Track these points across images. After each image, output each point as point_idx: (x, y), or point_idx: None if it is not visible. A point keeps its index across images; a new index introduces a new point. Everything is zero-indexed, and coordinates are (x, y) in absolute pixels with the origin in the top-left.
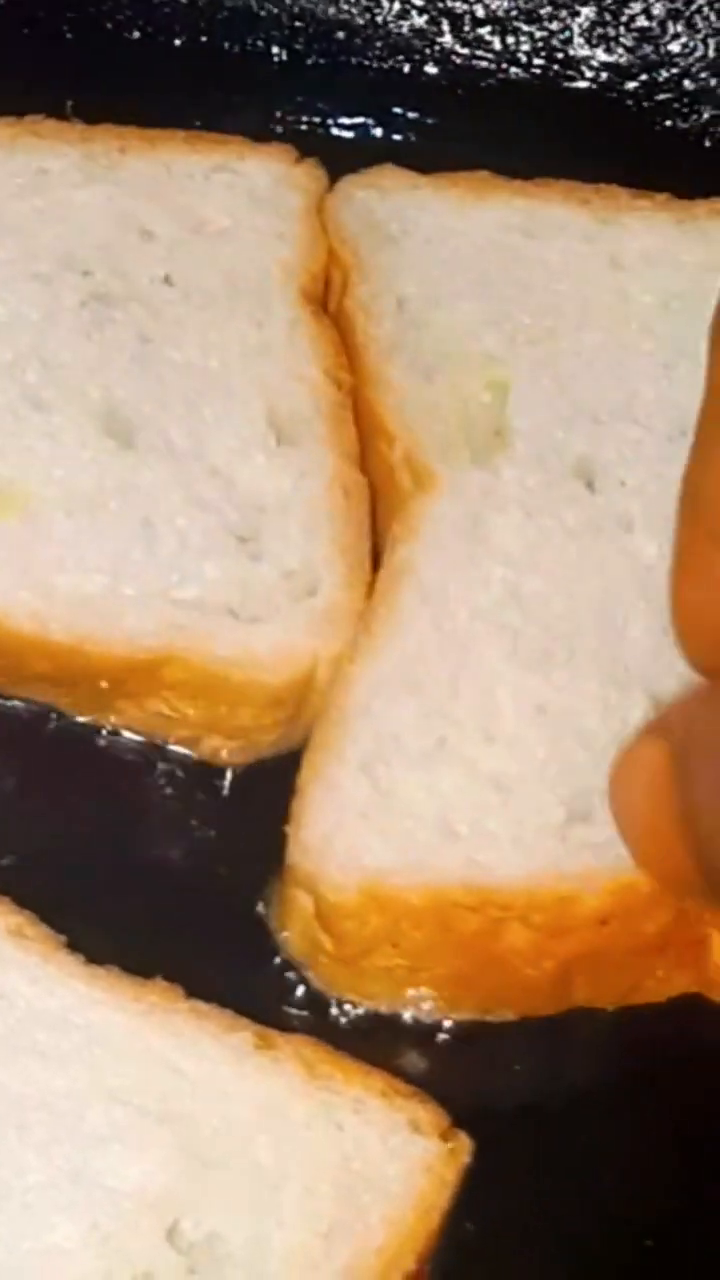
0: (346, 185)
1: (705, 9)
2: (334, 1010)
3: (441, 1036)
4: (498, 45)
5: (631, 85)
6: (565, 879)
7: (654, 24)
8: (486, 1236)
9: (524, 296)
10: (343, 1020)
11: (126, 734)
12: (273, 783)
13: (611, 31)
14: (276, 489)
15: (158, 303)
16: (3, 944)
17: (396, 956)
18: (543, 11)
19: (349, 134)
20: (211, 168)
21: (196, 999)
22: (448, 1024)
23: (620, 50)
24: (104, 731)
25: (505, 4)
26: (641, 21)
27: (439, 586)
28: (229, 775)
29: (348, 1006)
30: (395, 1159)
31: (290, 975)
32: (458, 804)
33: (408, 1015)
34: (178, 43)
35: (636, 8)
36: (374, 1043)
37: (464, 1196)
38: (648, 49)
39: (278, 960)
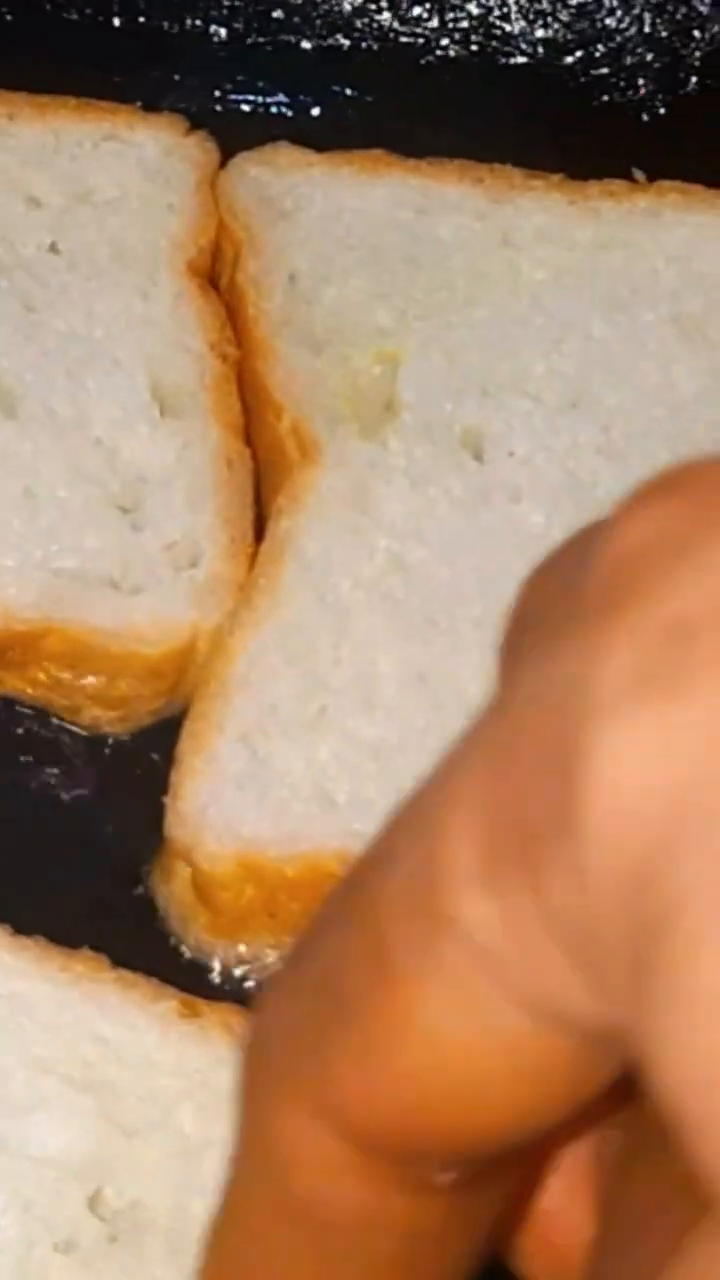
0: (241, 162)
1: None
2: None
3: None
4: (434, 22)
5: (569, 60)
6: None
7: None
8: None
9: (416, 272)
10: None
11: (12, 704)
12: (154, 751)
13: (548, 6)
14: (160, 460)
15: (43, 271)
16: None
17: (273, 927)
18: None
19: (289, 112)
20: (101, 137)
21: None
22: None
23: (557, 25)
24: None
25: None
26: None
27: (322, 557)
28: (109, 744)
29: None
30: None
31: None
32: (336, 773)
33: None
34: (116, 22)
35: None
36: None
37: None
38: (584, 24)
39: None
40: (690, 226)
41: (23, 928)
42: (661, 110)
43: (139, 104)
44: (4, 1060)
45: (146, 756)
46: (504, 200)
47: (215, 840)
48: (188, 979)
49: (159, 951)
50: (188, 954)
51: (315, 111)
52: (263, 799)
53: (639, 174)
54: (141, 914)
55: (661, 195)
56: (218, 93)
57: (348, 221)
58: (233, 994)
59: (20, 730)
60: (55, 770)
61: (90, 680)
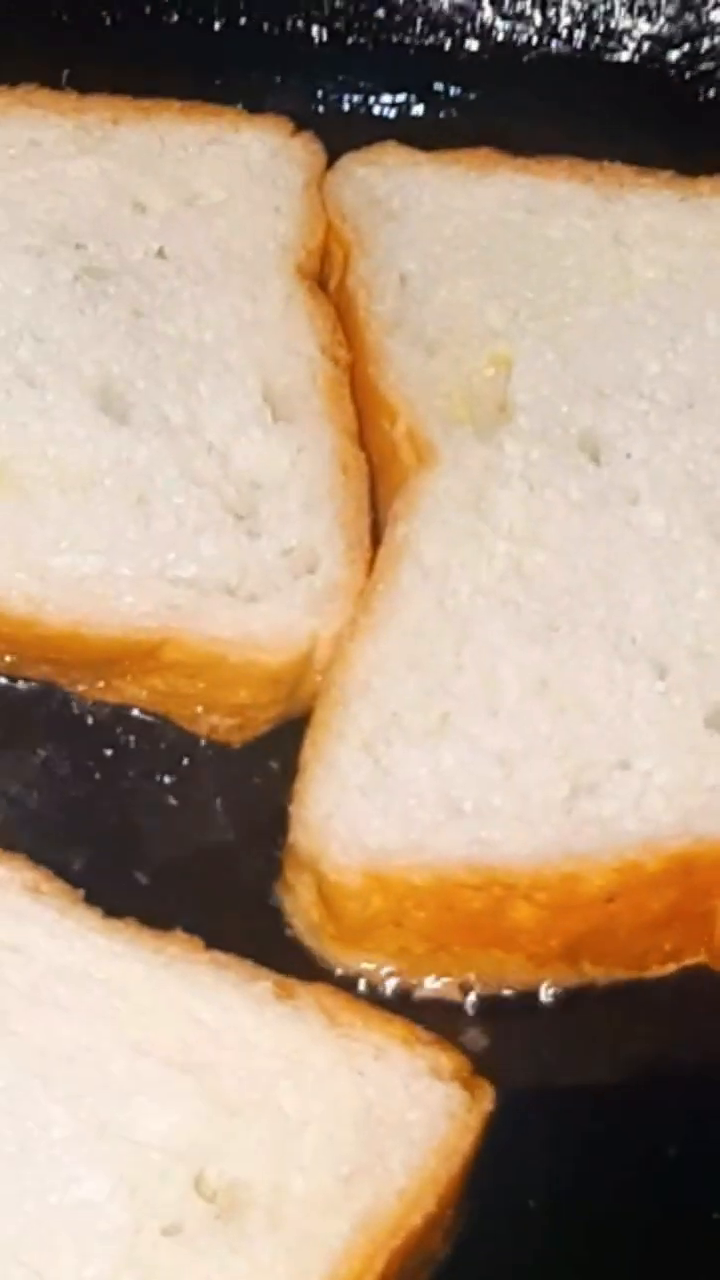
0: (348, 162)
1: None
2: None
3: (459, 1010)
4: (538, 19)
5: (674, 55)
6: (571, 856)
7: None
8: (508, 1186)
9: (527, 272)
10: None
11: (129, 711)
12: (274, 757)
13: (652, 1)
14: (274, 465)
15: (151, 276)
16: (20, 899)
17: (400, 936)
18: None
19: (391, 112)
20: (206, 140)
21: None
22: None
23: (661, 20)
24: (106, 709)
25: None
26: None
27: (440, 562)
28: (230, 751)
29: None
30: (417, 1105)
31: (301, 950)
32: (460, 781)
33: (420, 993)
34: (217, 25)
35: None
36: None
37: (489, 1143)
38: (689, 18)
39: (289, 934)
40: None
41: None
42: None
43: (241, 106)
44: (103, 1044)
45: (265, 764)
46: (614, 198)
47: (341, 850)
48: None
49: (289, 960)
50: (319, 962)
51: (418, 111)
52: (388, 807)
53: None
54: (271, 924)
55: None
56: (320, 93)
57: (457, 221)
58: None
59: (135, 739)
60: (172, 779)
61: (208, 689)
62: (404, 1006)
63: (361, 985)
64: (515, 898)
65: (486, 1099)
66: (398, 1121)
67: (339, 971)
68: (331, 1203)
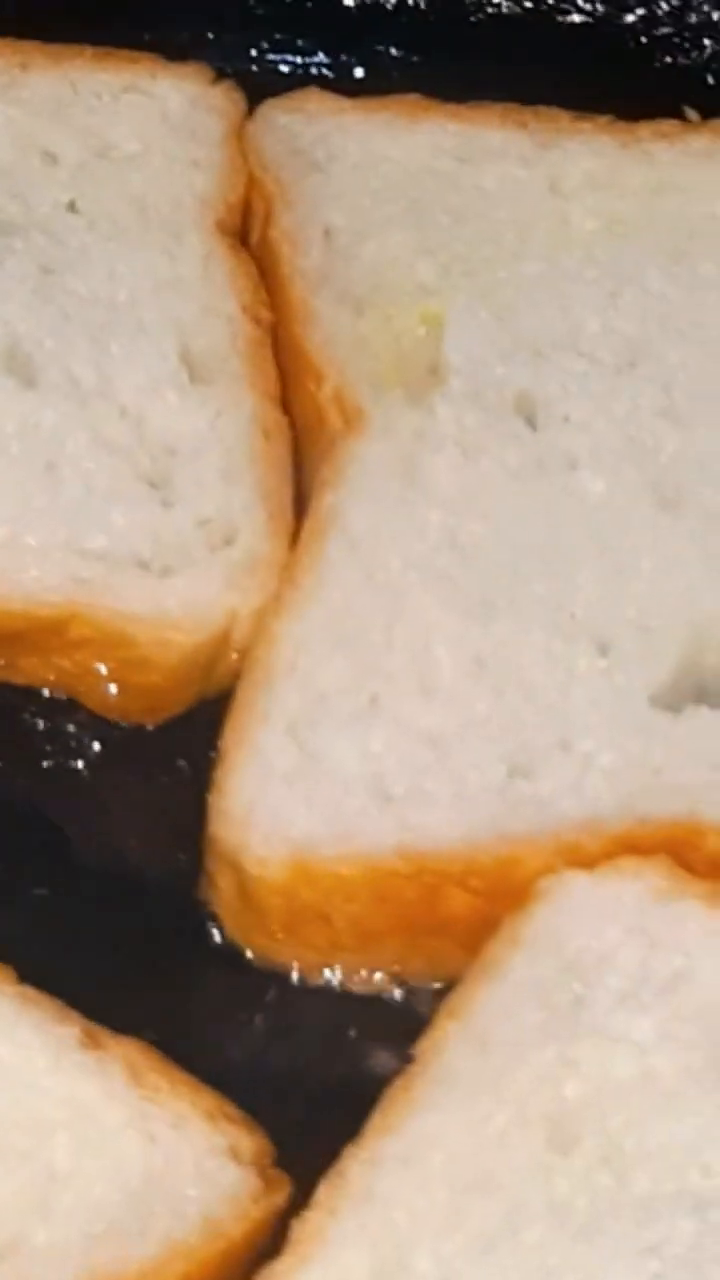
0: (268, 109)
1: None
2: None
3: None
4: None
5: (630, 19)
6: (506, 840)
7: None
8: None
9: (459, 225)
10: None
11: (36, 692)
12: (192, 739)
13: None
14: (190, 431)
15: (61, 231)
16: None
17: (329, 930)
18: None
19: (330, 74)
20: (121, 88)
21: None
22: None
23: None
24: (10, 690)
25: None
26: None
27: (369, 533)
28: (145, 733)
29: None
30: (201, 1182)
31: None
32: (391, 765)
33: (352, 988)
34: None
35: None
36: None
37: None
38: None
39: (213, 931)
40: None
41: (62, 942)
42: None
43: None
44: None
45: (183, 747)
46: (550, 145)
47: (263, 842)
48: (251, 989)
49: (216, 958)
50: (246, 959)
51: (359, 73)
52: (313, 795)
53: (692, 113)
54: (194, 920)
55: (717, 134)
56: (254, 52)
57: (385, 172)
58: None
59: (43, 723)
60: (83, 765)
61: (119, 669)
62: (333, 1002)
63: (294, 980)
64: (449, 885)
65: (280, 1193)
66: (174, 1194)
67: (268, 969)
68: (65, 1255)
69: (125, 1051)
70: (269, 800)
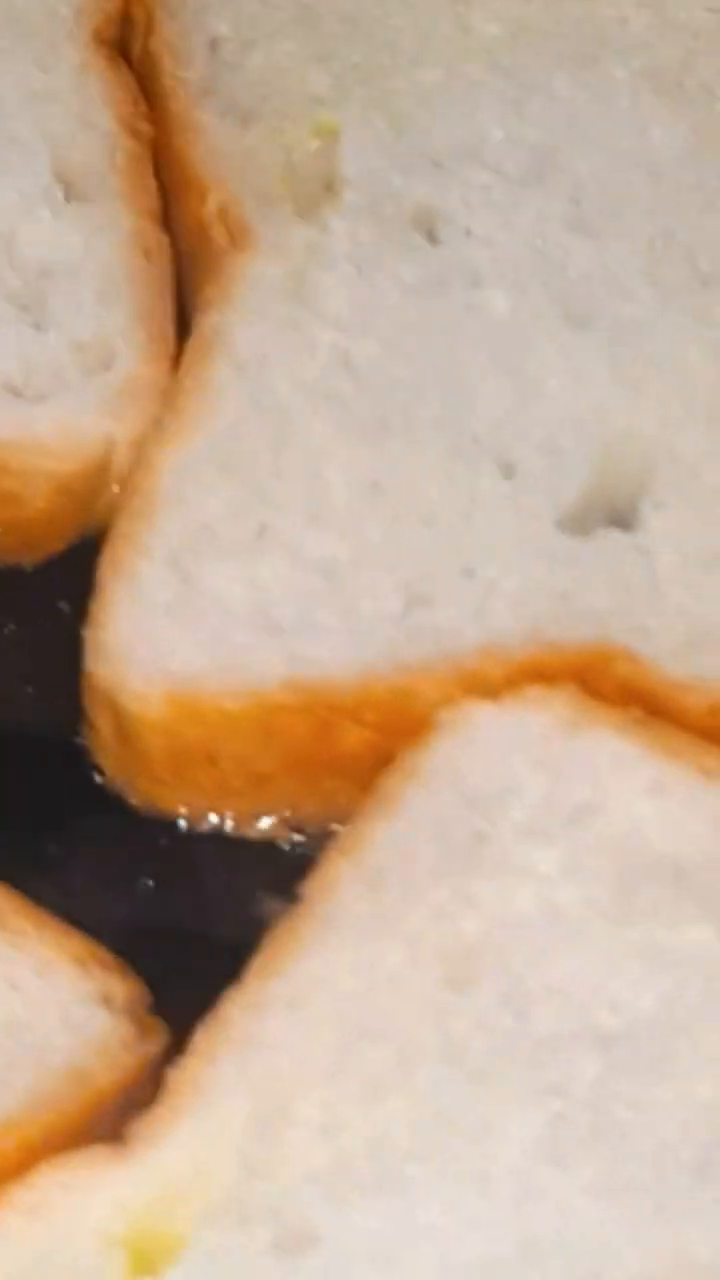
0: None
1: None
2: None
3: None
4: None
5: None
6: (403, 669)
7: None
8: None
9: (353, 32)
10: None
11: None
12: (71, 579)
13: None
14: (65, 250)
15: None
16: None
17: (217, 773)
18: None
19: None
20: None
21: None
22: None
23: None
24: None
25: None
26: None
27: (257, 355)
28: (21, 574)
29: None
30: (67, 1030)
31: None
32: (279, 596)
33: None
34: None
35: None
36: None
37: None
38: None
39: (97, 779)
40: None
41: None
42: None
43: None
44: None
45: (62, 588)
46: None
47: (142, 677)
48: (137, 837)
49: (96, 807)
50: (131, 807)
51: None
52: (196, 627)
53: None
54: (76, 767)
55: None
56: None
57: None
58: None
59: None
60: None
61: None
62: (221, 849)
63: (182, 826)
64: (343, 720)
65: (155, 1041)
66: (38, 1044)
67: (153, 815)
68: None
69: None
70: (149, 634)
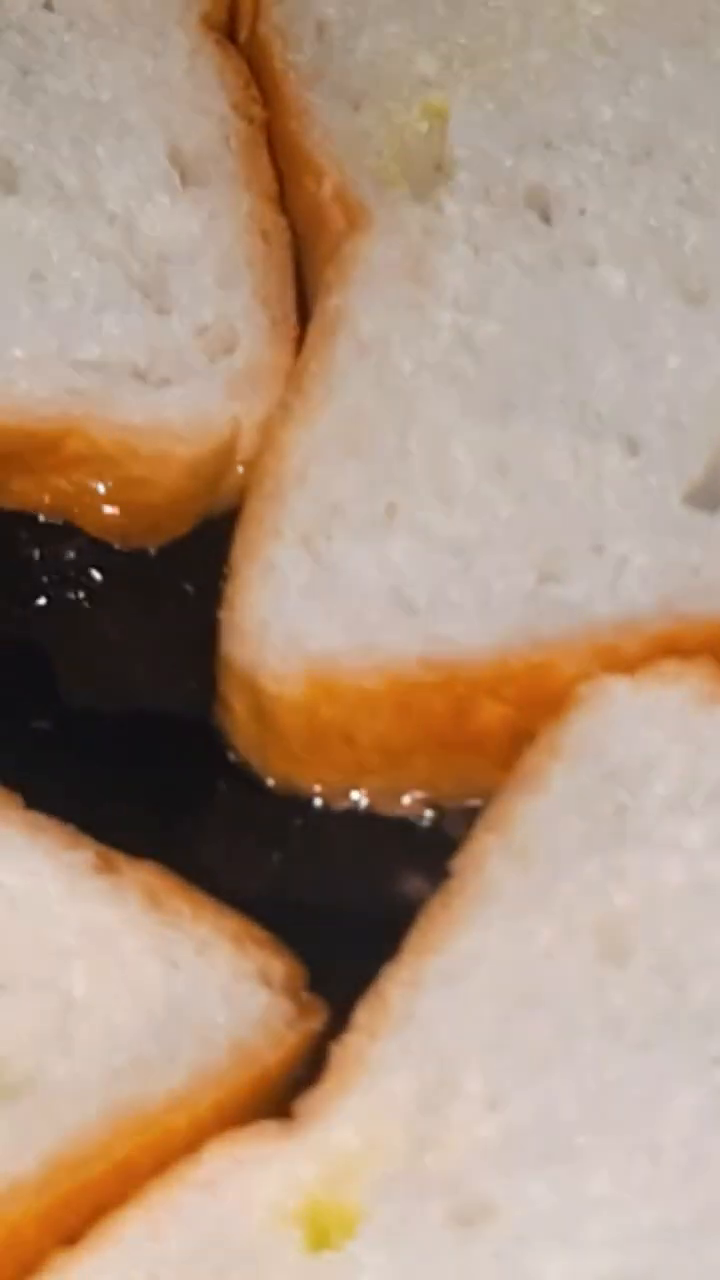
0: None
1: None
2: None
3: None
4: None
5: None
6: (539, 645)
7: None
8: None
9: (459, 14)
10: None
11: (30, 516)
12: (197, 561)
13: None
14: (184, 234)
15: (39, 31)
16: None
17: (354, 751)
18: None
19: None
20: None
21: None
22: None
23: None
24: (3, 515)
25: None
26: None
27: (379, 336)
28: (147, 557)
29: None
30: (228, 1007)
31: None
32: (412, 575)
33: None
34: None
35: None
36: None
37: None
38: None
39: (232, 759)
40: None
41: (69, 773)
42: None
43: None
44: None
45: (189, 570)
46: None
47: (280, 658)
48: (273, 816)
49: (234, 784)
50: (268, 787)
51: None
52: (331, 608)
53: None
54: (211, 748)
55: None
56: None
57: None
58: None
59: (40, 551)
60: (84, 592)
61: (119, 487)
62: (359, 826)
63: (317, 805)
64: (480, 695)
65: (315, 1018)
66: (201, 1021)
67: (289, 794)
68: (87, 1088)
69: (142, 876)
70: (285, 615)
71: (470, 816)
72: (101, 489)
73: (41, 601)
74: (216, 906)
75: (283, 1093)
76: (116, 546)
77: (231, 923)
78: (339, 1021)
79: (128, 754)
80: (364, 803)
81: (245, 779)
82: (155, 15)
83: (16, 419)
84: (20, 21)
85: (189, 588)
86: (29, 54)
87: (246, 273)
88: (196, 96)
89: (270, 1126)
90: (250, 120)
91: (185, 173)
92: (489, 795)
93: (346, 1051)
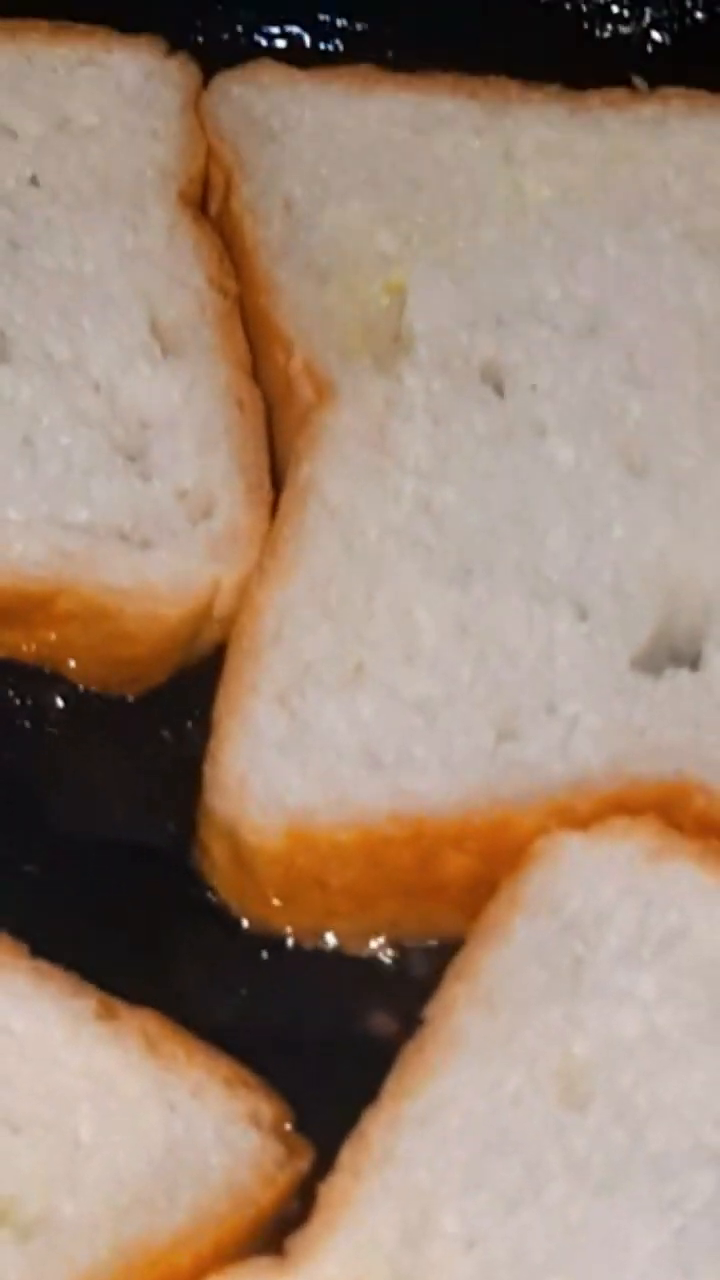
0: (222, 81)
1: None
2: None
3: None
4: None
5: None
6: (499, 802)
7: None
8: None
9: (416, 194)
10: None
11: (12, 664)
12: (171, 708)
13: None
14: (164, 402)
15: (25, 205)
16: None
17: (326, 897)
18: None
19: (280, 42)
20: (77, 61)
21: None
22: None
23: None
24: None
25: None
26: None
27: (346, 502)
28: (126, 704)
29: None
30: (223, 1148)
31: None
32: (380, 731)
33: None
34: None
35: None
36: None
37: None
38: None
39: (210, 899)
40: (698, 135)
41: (58, 916)
42: (667, 39)
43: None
44: None
45: (164, 717)
46: (501, 113)
47: (259, 811)
48: (251, 950)
49: (211, 926)
50: (243, 926)
51: (306, 41)
52: (306, 763)
53: (640, 82)
54: (189, 888)
55: (666, 103)
56: (199, 21)
57: (340, 142)
58: (307, 962)
59: (22, 698)
60: (67, 737)
61: (104, 642)
62: (328, 965)
63: (289, 944)
64: (446, 848)
65: (303, 1158)
66: (198, 1162)
67: (264, 934)
68: (96, 1227)
69: (140, 1022)
70: (263, 770)
71: (431, 956)
72: (86, 642)
73: (24, 744)
74: (208, 1051)
75: (273, 1232)
76: (97, 693)
77: (223, 1066)
78: (321, 1160)
79: (110, 896)
80: (333, 942)
81: (223, 920)
82: (134, 191)
83: (11, 580)
84: (7, 196)
85: (165, 734)
86: (16, 228)
87: (224, 440)
88: (175, 270)
89: (264, 1263)
90: (225, 293)
91: (165, 343)
92: (450, 937)
93: (333, 1191)
